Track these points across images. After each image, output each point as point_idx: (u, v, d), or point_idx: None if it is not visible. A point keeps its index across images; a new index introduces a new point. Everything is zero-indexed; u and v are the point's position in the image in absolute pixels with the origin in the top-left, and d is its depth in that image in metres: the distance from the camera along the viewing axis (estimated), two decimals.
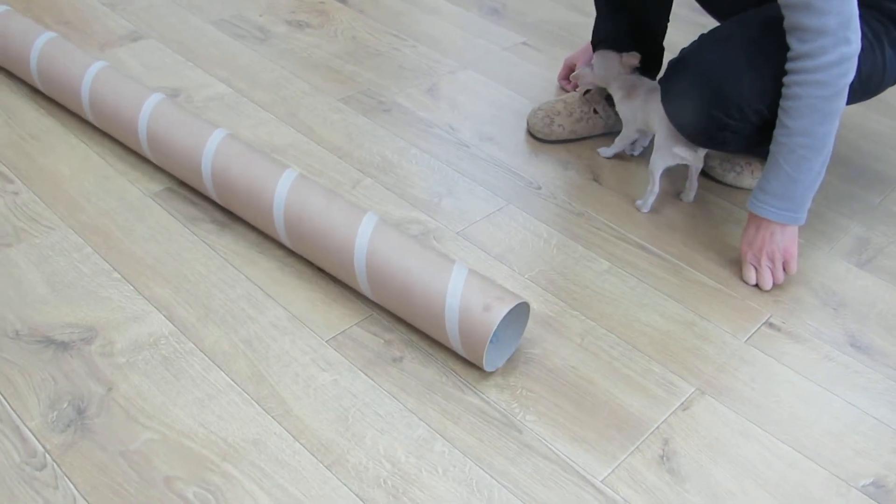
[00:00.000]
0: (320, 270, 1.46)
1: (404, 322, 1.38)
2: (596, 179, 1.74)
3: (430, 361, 1.32)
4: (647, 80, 1.68)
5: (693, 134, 1.53)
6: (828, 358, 1.41)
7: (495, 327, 1.23)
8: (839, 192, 1.78)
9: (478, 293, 1.26)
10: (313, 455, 1.17)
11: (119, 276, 1.42)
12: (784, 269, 1.51)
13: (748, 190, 1.74)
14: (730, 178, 1.74)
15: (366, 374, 1.29)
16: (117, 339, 1.31)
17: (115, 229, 1.51)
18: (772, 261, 1.50)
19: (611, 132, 1.86)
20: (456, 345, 1.28)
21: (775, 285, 1.52)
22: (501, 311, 1.23)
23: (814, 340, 1.44)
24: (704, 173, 1.77)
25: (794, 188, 1.44)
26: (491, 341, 1.32)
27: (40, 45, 1.73)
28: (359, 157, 1.75)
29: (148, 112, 1.57)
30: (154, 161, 1.61)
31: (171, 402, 1.22)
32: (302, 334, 1.35)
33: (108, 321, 1.34)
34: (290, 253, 1.49)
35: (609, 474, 1.19)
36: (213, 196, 1.52)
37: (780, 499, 1.18)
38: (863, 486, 1.22)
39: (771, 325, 1.45)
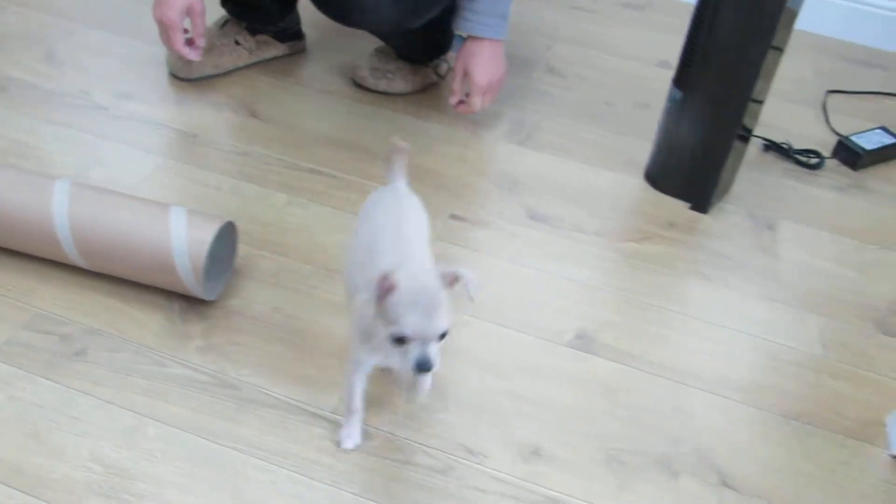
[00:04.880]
0: None
1: (78, 311, 1.23)
2: (254, 115, 1.66)
3: (119, 345, 1.19)
4: None
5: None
6: (513, 235, 1.47)
7: (216, 229, 1.20)
8: None
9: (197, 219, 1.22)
10: (8, 486, 1.02)
11: None
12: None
13: (402, 94, 1.75)
14: (383, 85, 1.73)
15: (48, 379, 1.14)
16: None
17: None
18: (499, 82, 1.64)
19: (258, 61, 1.78)
20: (184, 267, 1.20)
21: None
22: (214, 225, 1.20)
23: (497, 222, 1.49)
24: (357, 85, 1.76)
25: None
26: (206, 269, 1.24)
27: None
28: None
29: None
30: None
31: None
32: None
33: None
34: None
35: (338, 401, 1.15)
36: None
37: (500, 372, 1.22)
38: (569, 341, 1.29)
39: (455, 217, 1.48)
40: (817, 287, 1.45)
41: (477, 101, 1.61)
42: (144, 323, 1.23)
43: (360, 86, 1.75)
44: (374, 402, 1.15)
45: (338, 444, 1.09)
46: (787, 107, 1.94)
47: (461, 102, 1.63)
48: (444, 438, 1.13)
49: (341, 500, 1.03)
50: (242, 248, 1.35)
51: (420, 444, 1.11)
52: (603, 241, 1.48)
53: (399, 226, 1.07)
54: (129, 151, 1.54)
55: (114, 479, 1.03)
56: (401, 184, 1.15)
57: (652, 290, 1.40)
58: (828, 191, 1.70)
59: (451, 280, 0.93)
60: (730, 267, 1.47)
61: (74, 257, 1.24)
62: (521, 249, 1.44)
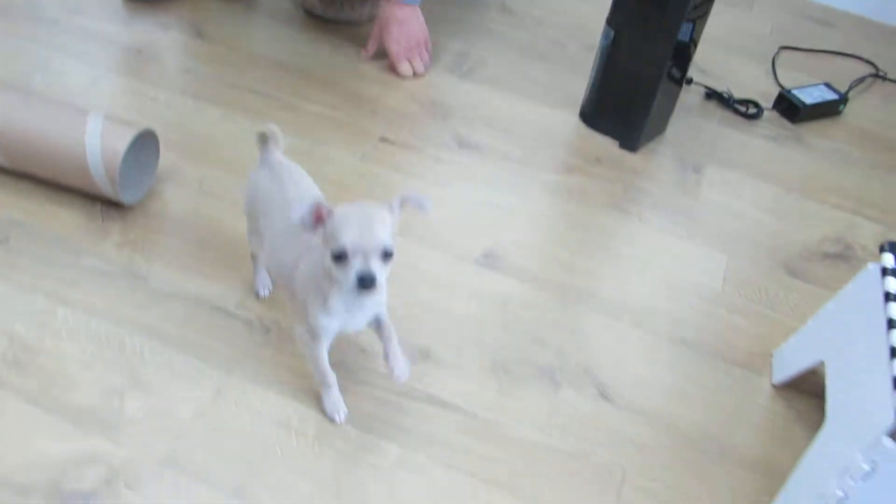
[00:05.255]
0: None
1: (3, 203, 1.29)
2: (201, 36, 1.70)
3: (39, 237, 1.25)
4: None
5: None
6: (439, 159, 1.52)
7: (130, 139, 1.24)
8: (440, 15, 1.88)
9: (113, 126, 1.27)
10: None
11: None
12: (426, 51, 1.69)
13: (350, 23, 1.79)
14: (331, 13, 1.78)
15: None
16: None
17: None
18: (419, 45, 1.66)
19: None
20: (99, 175, 1.25)
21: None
22: (128, 135, 1.25)
23: (425, 147, 1.54)
24: (307, 12, 1.80)
25: None
26: (123, 177, 1.31)
27: None
28: None
29: None
30: None
31: None
32: None
33: None
34: None
35: (243, 298, 1.21)
36: None
37: (404, 282, 1.27)
38: (476, 259, 1.34)
39: (384, 140, 1.53)
40: (732, 228, 1.50)
41: (402, 67, 1.66)
42: (66, 218, 1.29)
43: (310, 13, 1.79)
44: (277, 298, 1.21)
45: (330, 419, 1.09)
46: (738, 60, 1.98)
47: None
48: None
49: (228, 383, 1.10)
50: (171, 157, 1.41)
51: None
52: (527, 170, 1.53)
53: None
54: (73, 62, 1.59)
55: (20, 351, 1.10)
56: (280, 156, 1.13)
57: (566, 217, 1.45)
58: (762, 140, 1.74)
59: (400, 203, 0.94)
60: (648, 203, 1.51)
61: None
62: (445, 173, 1.49)
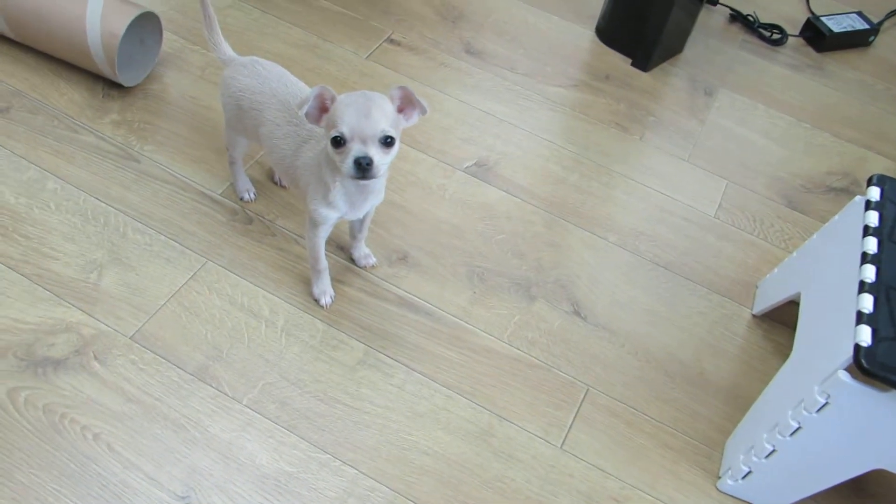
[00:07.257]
0: None
1: (8, 73, 1.31)
2: None
3: (40, 108, 1.28)
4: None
5: None
6: (443, 65, 1.50)
7: (129, 21, 1.24)
8: None
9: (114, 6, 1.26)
10: None
11: None
12: None
13: None
14: None
15: None
16: None
17: None
18: None
19: None
20: (98, 55, 1.26)
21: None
22: (132, 11, 1.25)
23: (432, 51, 1.52)
24: None
25: None
26: (125, 57, 1.32)
27: None
28: None
29: None
30: None
31: None
32: None
33: None
34: None
35: (226, 187, 1.23)
36: None
37: (392, 185, 1.28)
38: (467, 168, 1.34)
39: (392, 41, 1.52)
40: (736, 155, 1.47)
41: None
42: (68, 93, 1.31)
43: None
44: (262, 191, 1.23)
45: (316, 301, 1.13)
46: None
47: None
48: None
49: (207, 269, 1.13)
50: (176, 41, 1.41)
51: (294, 234, 1.19)
52: (532, 82, 1.51)
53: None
54: None
55: (7, 218, 1.13)
56: (230, 50, 1.14)
57: (565, 132, 1.43)
58: (782, 67, 1.69)
59: (403, 96, 0.94)
60: (651, 123, 1.49)
61: (3, 29, 1.30)
62: (448, 79, 1.47)
